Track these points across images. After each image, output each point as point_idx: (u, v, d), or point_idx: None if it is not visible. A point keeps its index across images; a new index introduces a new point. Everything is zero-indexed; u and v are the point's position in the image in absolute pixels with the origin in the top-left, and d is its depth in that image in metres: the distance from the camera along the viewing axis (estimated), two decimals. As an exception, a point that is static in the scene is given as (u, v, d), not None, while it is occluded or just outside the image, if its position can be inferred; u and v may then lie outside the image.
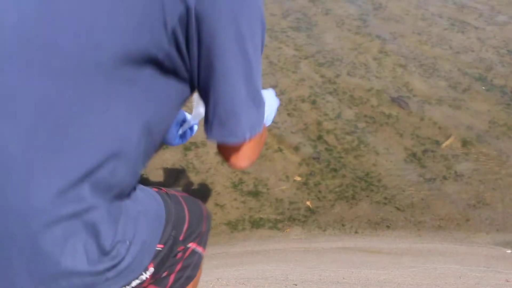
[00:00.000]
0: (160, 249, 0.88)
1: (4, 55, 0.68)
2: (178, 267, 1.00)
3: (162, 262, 0.90)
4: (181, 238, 0.97)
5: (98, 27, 0.66)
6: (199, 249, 1.07)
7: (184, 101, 0.82)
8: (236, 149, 0.81)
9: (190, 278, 1.04)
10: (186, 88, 0.79)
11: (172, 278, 0.99)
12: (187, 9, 0.68)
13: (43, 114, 0.67)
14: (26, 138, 0.67)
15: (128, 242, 0.76)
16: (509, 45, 3.80)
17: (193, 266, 1.05)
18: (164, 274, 0.96)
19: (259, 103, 0.79)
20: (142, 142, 0.76)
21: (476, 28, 4.00)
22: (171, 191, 1.00)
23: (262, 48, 0.79)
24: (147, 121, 0.74)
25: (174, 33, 0.69)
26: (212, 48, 0.71)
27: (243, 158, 0.83)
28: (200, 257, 1.07)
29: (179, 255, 1.00)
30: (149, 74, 0.71)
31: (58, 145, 0.68)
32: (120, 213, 0.76)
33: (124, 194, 0.78)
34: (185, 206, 0.99)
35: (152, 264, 0.85)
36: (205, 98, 0.78)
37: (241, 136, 0.78)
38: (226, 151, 0.83)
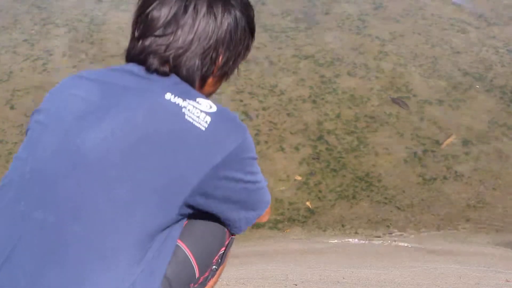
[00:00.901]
0: None
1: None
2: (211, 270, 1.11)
3: None
4: (197, 275, 1.04)
5: (123, 222, 0.86)
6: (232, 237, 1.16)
7: None
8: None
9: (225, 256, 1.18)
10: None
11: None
12: (192, 190, 0.89)
13: None
14: None
15: None
16: (509, 45, 3.80)
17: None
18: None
19: (266, 190, 1.03)
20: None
21: (476, 28, 4.00)
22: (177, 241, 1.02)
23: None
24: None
25: (181, 210, 0.91)
26: (223, 199, 0.95)
27: (264, 217, 1.07)
28: (233, 240, 1.17)
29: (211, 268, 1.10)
30: (165, 234, 0.93)
31: None
32: None
33: None
34: (192, 259, 1.03)
35: None
36: (225, 216, 0.99)
37: (260, 215, 1.03)
38: None
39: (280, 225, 2.38)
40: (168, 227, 0.91)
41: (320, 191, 2.53)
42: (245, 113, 2.97)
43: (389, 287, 1.93)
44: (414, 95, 3.23)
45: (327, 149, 2.78)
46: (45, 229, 0.85)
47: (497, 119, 3.08)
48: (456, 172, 2.69)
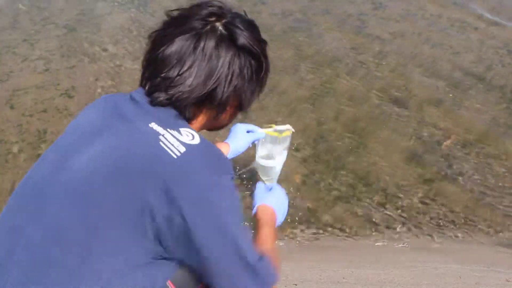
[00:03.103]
0: None
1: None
2: None
3: None
4: None
5: (98, 248, 0.86)
6: None
7: None
8: None
9: None
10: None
11: None
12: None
13: None
14: None
15: None
16: (509, 45, 3.80)
17: None
18: None
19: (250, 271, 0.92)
20: None
21: (476, 28, 4.00)
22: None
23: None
24: None
25: (153, 243, 0.89)
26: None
27: None
28: None
29: None
30: None
31: None
32: None
33: None
34: None
35: None
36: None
37: None
38: None
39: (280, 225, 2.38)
40: (151, 262, 0.89)
41: (320, 191, 2.53)
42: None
43: (389, 287, 1.94)
44: (414, 95, 3.23)
45: (327, 149, 2.78)
46: (32, 247, 0.87)
47: (497, 119, 3.08)
48: (456, 172, 2.69)
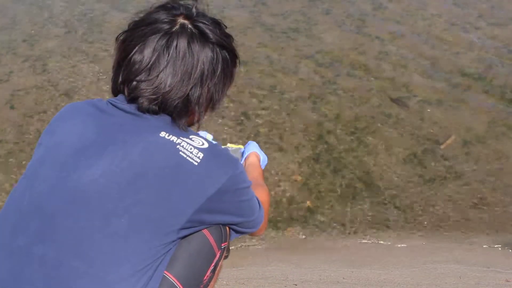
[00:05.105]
0: None
1: None
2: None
3: None
4: None
5: (121, 253, 0.90)
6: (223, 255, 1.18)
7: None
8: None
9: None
10: None
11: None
12: (187, 219, 0.95)
13: None
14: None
15: None
16: (509, 45, 3.80)
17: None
18: None
19: (256, 204, 1.12)
20: None
21: (476, 28, 4.00)
22: (167, 274, 1.01)
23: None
24: None
25: (178, 235, 0.97)
26: (216, 220, 1.04)
27: (260, 231, 1.19)
28: (224, 251, 1.19)
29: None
30: None
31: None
32: None
33: None
34: (179, 286, 1.03)
35: None
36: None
37: (252, 221, 1.12)
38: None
39: (280, 225, 2.38)
40: (161, 255, 0.94)
41: (320, 191, 2.53)
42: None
43: (389, 287, 1.94)
44: (414, 95, 3.23)
45: (327, 149, 2.78)
46: (45, 265, 0.86)
47: (497, 119, 3.08)
48: (456, 172, 2.70)
